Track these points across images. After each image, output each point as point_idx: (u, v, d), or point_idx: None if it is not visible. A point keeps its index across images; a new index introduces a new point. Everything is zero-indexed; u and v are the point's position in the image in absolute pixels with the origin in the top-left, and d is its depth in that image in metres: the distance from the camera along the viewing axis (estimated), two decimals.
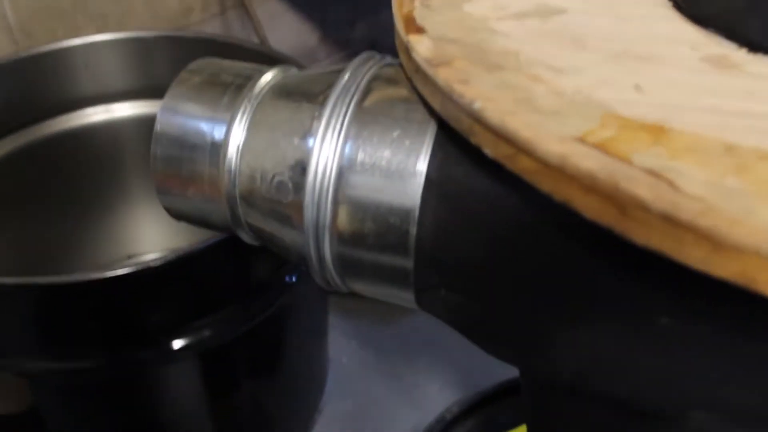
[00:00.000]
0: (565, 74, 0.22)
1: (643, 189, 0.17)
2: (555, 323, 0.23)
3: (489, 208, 0.21)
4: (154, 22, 0.83)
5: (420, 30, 0.24)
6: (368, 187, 0.23)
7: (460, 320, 0.25)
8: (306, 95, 0.26)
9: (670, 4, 0.27)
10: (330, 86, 0.25)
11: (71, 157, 0.62)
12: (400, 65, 0.26)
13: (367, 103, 0.24)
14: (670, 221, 0.16)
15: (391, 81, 0.25)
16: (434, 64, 0.22)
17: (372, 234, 0.24)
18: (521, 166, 0.19)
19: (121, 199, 0.66)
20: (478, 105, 0.19)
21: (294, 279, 0.48)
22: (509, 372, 0.61)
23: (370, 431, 0.58)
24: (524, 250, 0.21)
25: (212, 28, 0.88)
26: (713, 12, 0.25)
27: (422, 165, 0.23)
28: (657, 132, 0.19)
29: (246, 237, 0.29)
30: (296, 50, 0.98)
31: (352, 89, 0.25)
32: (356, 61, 0.26)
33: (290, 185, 0.25)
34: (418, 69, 0.23)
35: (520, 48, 0.23)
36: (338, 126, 0.24)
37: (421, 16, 0.25)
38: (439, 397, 0.61)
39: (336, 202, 0.24)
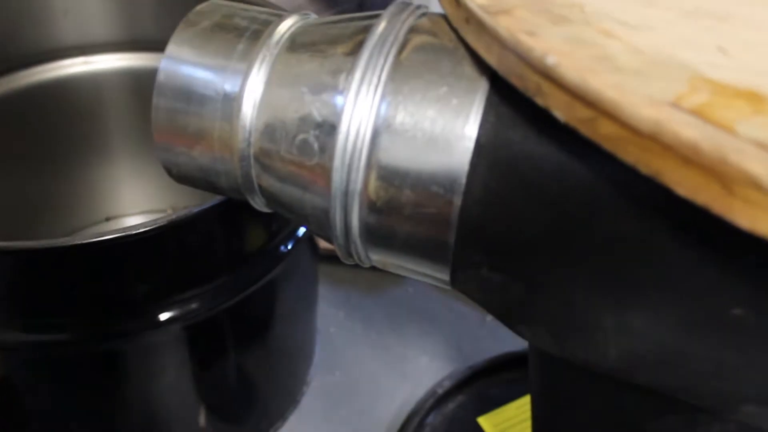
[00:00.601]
0: (639, 31, 0.19)
1: (756, 164, 0.14)
2: (610, 307, 0.20)
3: (551, 178, 0.19)
4: None
5: None
6: (408, 151, 0.21)
7: (498, 301, 0.23)
8: (335, 45, 0.23)
9: None
10: (362, 36, 0.22)
11: (47, 111, 0.58)
12: (441, 16, 0.23)
13: (406, 56, 0.22)
14: None
15: (431, 33, 0.22)
16: (492, 12, 0.19)
17: (410, 203, 0.21)
18: (602, 132, 0.16)
19: (101, 158, 0.62)
20: (552, 60, 0.17)
21: (289, 248, 0.45)
22: (499, 344, 0.59)
23: (358, 404, 0.56)
24: (590, 226, 0.19)
25: None
26: None
27: (471, 128, 0.20)
28: (755, 100, 0.17)
29: (257, 202, 0.26)
30: (284, 7, 0.94)
31: (390, 39, 0.22)
32: (392, 8, 0.23)
33: (316, 145, 0.22)
34: (470, 18, 0.20)
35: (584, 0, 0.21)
36: (374, 81, 0.21)
37: None
38: (429, 369, 0.59)
39: (369, 166, 0.21)
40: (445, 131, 0.20)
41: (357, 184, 0.21)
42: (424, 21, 0.23)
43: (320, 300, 0.60)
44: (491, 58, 0.19)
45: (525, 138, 0.19)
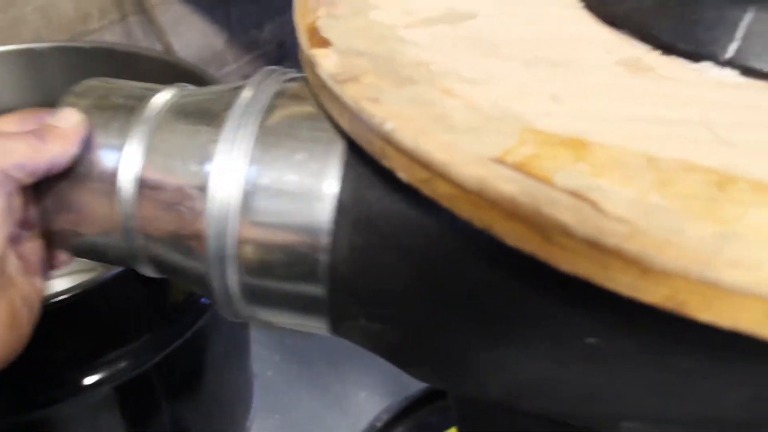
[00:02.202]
0: (479, 85, 0.21)
1: (566, 213, 0.16)
2: (480, 346, 0.22)
3: (405, 233, 0.20)
4: (48, 31, 0.78)
5: (325, 42, 0.23)
6: (274, 214, 0.22)
7: (382, 347, 0.24)
8: (204, 116, 0.24)
9: (581, 5, 0.27)
10: (229, 105, 0.23)
11: None
12: (306, 79, 0.24)
13: (271, 122, 0.23)
14: (596, 247, 0.15)
15: (295, 97, 0.24)
16: (341, 80, 0.20)
17: (280, 263, 0.22)
18: (437, 191, 0.17)
19: None
20: (389, 126, 0.18)
21: (210, 300, 0.46)
22: None
23: None
24: (446, 274, 0.20)
25: (112, 36, 0.84)
26: (624, 13, 0.25)
27: (330, 188, 0.21)
28: (578, 147, 0.18)
29: (147, 270, 0.27)
30: (203, 54, 0.95)
31: (253, 108, 0.23)
32: (257, 77, 0.24)
33: (190, 214, 0.23)
34: (323, 85, 0.21)
35: (431, 58, 0.22)
36: (239, 149, 0.22)
37: (326, 27, 0.24)
38: (368, 404, 0.60)
39: (240, 230, 0.22)
40: (306, 193, 0.21)
41: (230, 248, 0.22)
42: (291, 85, 0.24)
43: (255, 344, 0.60)
44: (344, 123, 0.20)
45: (381, 197, 0.20)
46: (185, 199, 0.23)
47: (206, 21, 0.94)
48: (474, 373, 0.22)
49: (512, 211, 0.16)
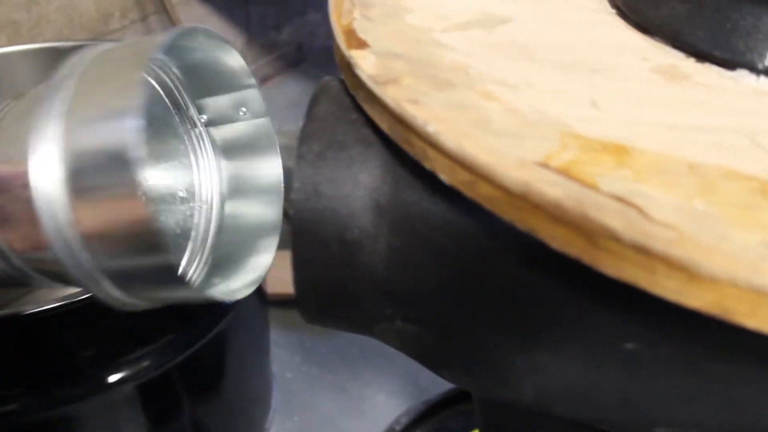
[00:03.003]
0: (518, 90, 0.21)
1: (612, 218, 0.16)
2: (517, 349, 0.22)
3: (443, 234, 0.20)
4: (70, 30, 0.79)
5: (363, 44, 0.23)
6: (93, 168, 0.21)
7: (416, 349, 0.24)
8: (31, 101, 0.24)
9: (613, 11, 0.27)
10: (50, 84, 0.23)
11: None
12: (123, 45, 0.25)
13: (83, 79, 0.23)
14: (642, 251, 0.15)
15: (107, 57, 0.24)
16: (381, 82, 0.20)
17: (109, 225, 0.21)
18: (481, 193, 0.17)
19: None
20: (432, 128, 0.18)
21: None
22: None
23: None
24: (484, 276, 0.20)
25: (133, 35, 0.84)
26: (658, 20, 0.25)
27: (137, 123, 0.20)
28: (619, 152, 0.18)
29: (48, 284, 0.26)
30: None
31: (68, 78, 0.23)
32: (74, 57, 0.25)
33: (26, 193, 0.22)
34: (362, 86, 0.21)
35: (469, 62, 0.22)
36: (54, 113, 0.22)
37: (362, 29, 0.24)
38: (386, 407, 0.60)
39: (69, 196, 0.21)
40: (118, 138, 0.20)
41: (65, 221, 0.21)
42: (107, 54, 0.24)
43: (275, 346, 0.60)
44: (383, 125, 0.20)
45: (420, 198, 0.20)
46: (15, 179, 0.22)
47: (226, 22, 0.94)
48: (509, 377, 0.22)
49: (557, 214, 0.16)
